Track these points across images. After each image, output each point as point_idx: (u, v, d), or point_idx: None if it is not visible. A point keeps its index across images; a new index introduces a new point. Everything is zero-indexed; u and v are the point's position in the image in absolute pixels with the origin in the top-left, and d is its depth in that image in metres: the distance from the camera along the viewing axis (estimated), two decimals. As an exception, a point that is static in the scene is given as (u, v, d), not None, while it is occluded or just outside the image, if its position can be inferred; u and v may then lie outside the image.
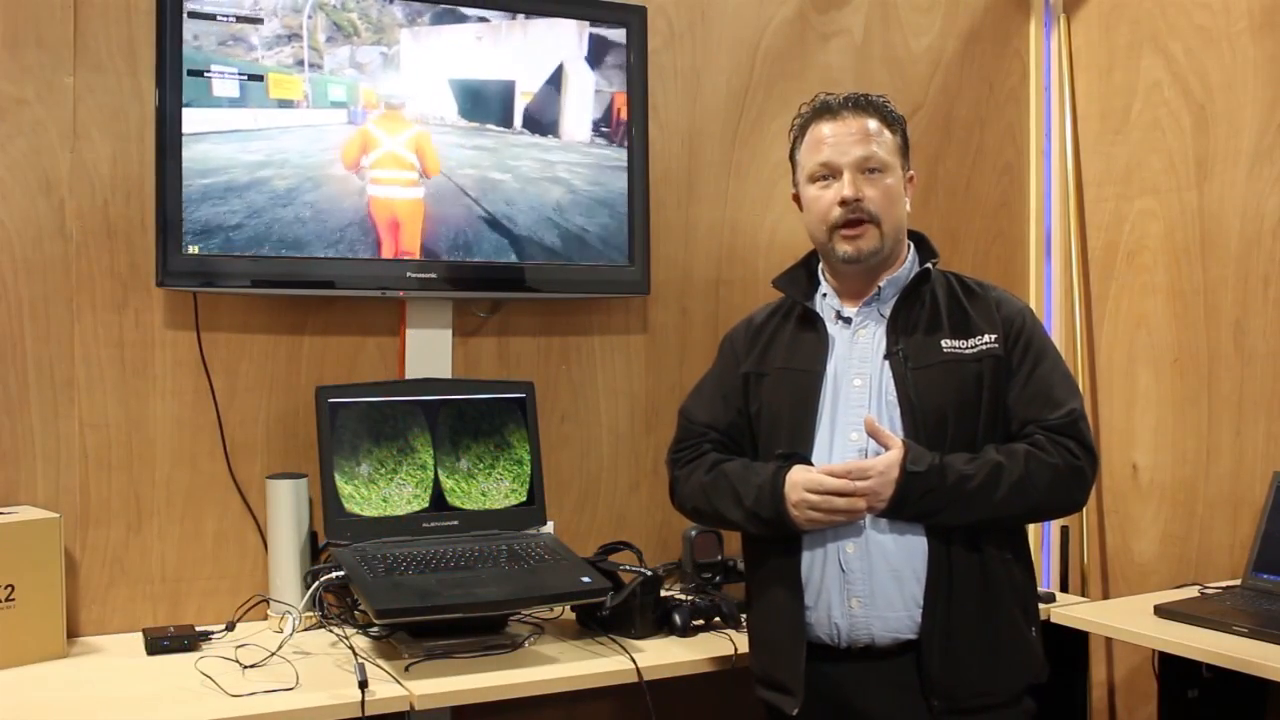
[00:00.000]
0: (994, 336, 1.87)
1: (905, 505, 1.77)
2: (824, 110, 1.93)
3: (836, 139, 1.89)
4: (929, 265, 1.93)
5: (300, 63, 2.17)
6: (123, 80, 2.13)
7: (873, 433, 1.79)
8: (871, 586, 1.81)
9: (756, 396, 1.97)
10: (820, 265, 2.01)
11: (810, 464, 1.82)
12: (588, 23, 2.43)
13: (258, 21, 2.14)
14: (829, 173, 1.90)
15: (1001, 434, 1.86)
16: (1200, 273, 2.70)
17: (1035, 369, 1.87)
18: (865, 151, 1.87)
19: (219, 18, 2.11)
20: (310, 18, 2.18)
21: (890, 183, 1.89)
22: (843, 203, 1.86)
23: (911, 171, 1.96)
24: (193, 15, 2.09)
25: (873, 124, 1.90)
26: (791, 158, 2.00)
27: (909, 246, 1.97)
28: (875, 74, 2.83)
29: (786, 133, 2.73)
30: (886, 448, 1.78)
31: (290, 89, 2.17)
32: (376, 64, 2.23)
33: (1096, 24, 2.96)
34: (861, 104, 1.92)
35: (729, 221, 2.70)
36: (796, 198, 2.00)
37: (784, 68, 2.75)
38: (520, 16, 2.36)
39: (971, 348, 1.86)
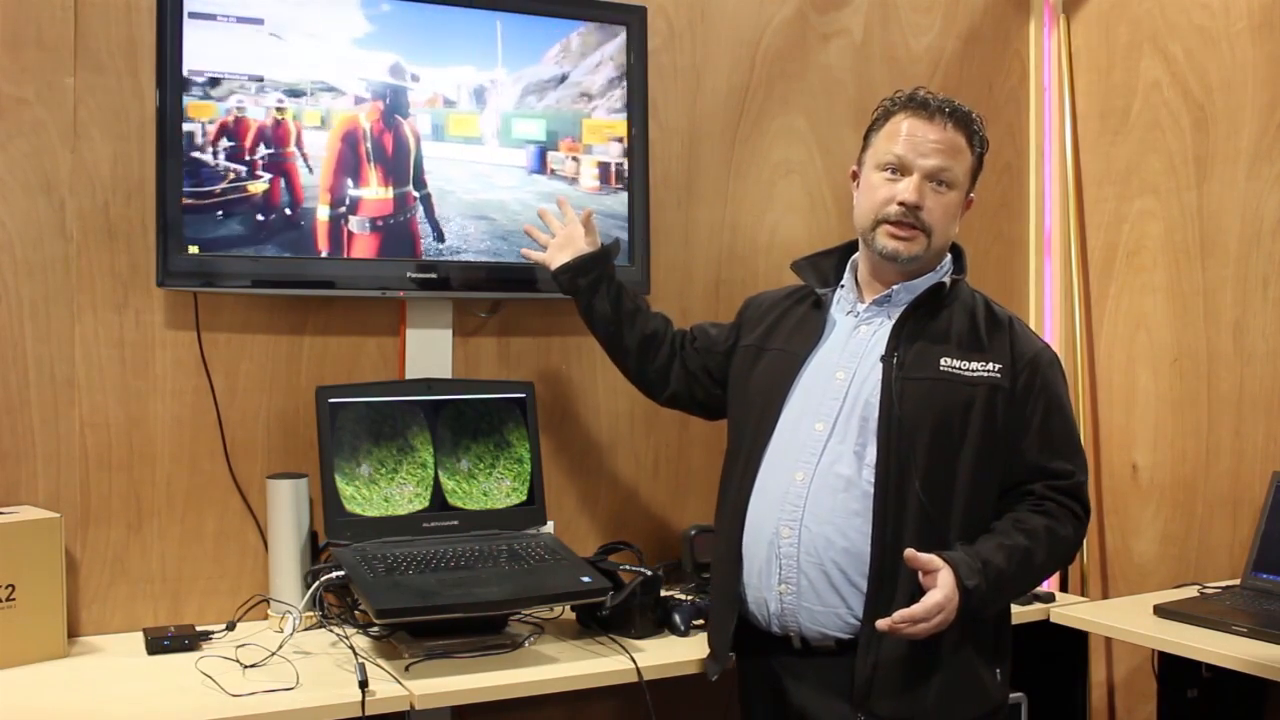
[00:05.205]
0: (999, 367, 1.84)
1: (965, 612, 1.74)
2: (920, 106, 1.88)
3: (920, 139, 1.85)
4: (953, 279, 1.91)
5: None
6: (123, 80, 2.13)
7: (910, 560, 1.71)
8: (800, 576, 1.81)
9: (750, 369, 1.99)
10: (854, 257, 1.99)
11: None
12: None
13: (258, 23, 2.14)
14: (899, 167, 1.86)
15: (996, 469, 1.84)
16: (1200, 273, 2.70)
17: (1049, 417, 1.85)
18: (942, 163, 1.85)
19: (219, 18, 2.11)
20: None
21: (952, 200, 1.87)
22: (901, 203, 1.84)
23: (973, 195, 1.94)
24: (193, 15, 2.09)
25: (960, 140, 1.87)
26: (866, 136, 1.95)
27: (947, 258, 1.95)
28: (875, 74, 2.83)
29: (786, 133, 2.77)
30: (926, 570, 1.71)
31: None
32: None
33: (1096, 24, 2.96)
34: (958, 116, 1.87)
35: (729, 222, 2.70)
36: (855, 175, 1.97)
37: (784, 68, 2.75)
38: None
39: (971, 371, 1.83)
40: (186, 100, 2.09)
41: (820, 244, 2.16)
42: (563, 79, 2.37)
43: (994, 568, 1.74)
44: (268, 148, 2.14)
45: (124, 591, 2.15)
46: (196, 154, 2.09)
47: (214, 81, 2.10)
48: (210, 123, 2.10)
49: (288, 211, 2.16)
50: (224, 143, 2.11)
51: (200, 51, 2.09)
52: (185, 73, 2.08)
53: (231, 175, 2.11)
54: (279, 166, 2.16)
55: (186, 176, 2.08)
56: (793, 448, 1.86)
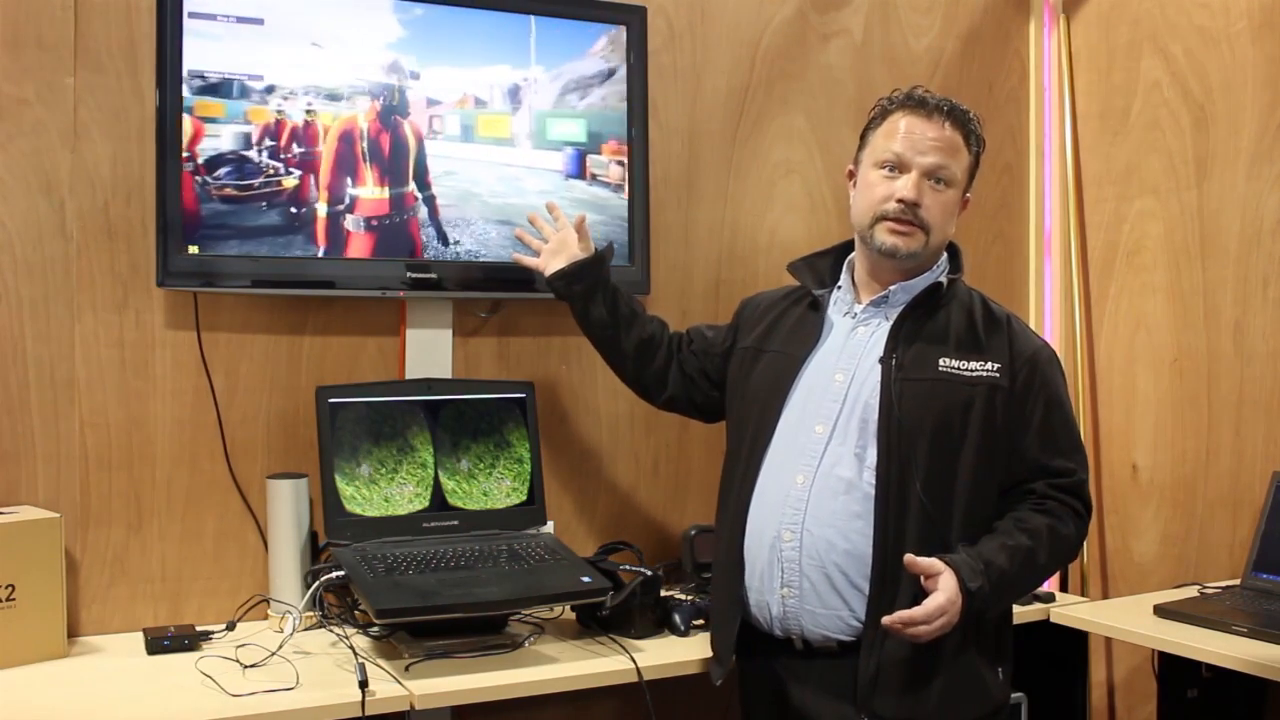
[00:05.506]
0: (998, 367, 1.84)
1: (969, 614, 1.74)
2: (917, 104, 1.88)
3: (919, 137, 1.85)
4: (948, 279, 1.91)
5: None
6: (123, 80, 2.13)
7: (911, 565, 1.71)
8: (802, 579, 1.81)
9: (748, 371, 1.99)
10: (850, 257, 1.99)
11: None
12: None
13: (258, 22, 2.14)
14: (898, 164, 1.86)
15: (997, 469, 1.84)
16: (1200, 273, 2.70)
17: (1049, 415, 1.85)
18: (940, 160, 1.85)
19: (219, 18, 2.12)
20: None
21: (950, 198, 1.87)
22: (900, 201, 1.84)
23: (969, 195, 1.93)
24: (193, 15, 2.09)
25: (958, 139, 1.87)
26: (863, 135, 1.95)
27: (943, 257, 1.94)
28: (875, 74, 2.83)
29: (786, 132, 2.77)
30: (928, 574, 1.71)
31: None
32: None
33: (1096, 24, 2.96)
34: (955, 114, 1.87)
35: (729, 222, 2.70)
36: (852, 174, 1.97)
37: (784, 68, 2.75)
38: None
39: (970, 371, 1.83)
40: (246, 105, 2.11)
41: (820, 244, 2.15)
42: (610, 74, 2.27)
43: (996, 568, 1.74)
44: (299, 146, 2.16)
45: (124, 591, 2.15)
46: (246, 152, 2.10)
47: (219, 83, 2.11)
48: (259, 124, 2.12)
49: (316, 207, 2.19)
50: (267, 141, 2.13)
51: (198, 53, 2.10)
52: (246, 80, 2.11)
53: (270, 170, 2.13)
54: (308, 165, 2.17)
55: (233, 172, 2.10)
56: (793, 450, 1.86)
